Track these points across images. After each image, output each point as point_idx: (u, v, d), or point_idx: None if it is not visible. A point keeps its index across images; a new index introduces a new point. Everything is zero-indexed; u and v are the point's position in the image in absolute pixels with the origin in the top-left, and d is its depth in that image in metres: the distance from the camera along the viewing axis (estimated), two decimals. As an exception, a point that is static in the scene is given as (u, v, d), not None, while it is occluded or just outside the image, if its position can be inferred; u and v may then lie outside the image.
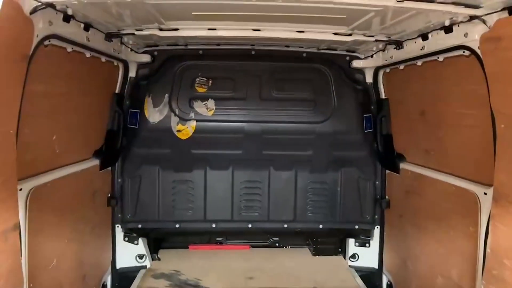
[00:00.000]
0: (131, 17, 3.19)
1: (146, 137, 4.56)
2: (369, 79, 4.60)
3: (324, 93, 4.63)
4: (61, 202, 3.27)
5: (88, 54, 3.41)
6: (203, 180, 4.67)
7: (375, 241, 4.74)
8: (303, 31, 3.57)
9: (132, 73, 4.47)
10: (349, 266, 4.84)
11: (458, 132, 3.21)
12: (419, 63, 3.55)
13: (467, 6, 2.50)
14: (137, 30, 3.55)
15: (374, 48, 4.18)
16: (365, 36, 3.61)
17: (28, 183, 2.74)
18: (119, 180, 4.52)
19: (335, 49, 4.51)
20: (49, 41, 2.70)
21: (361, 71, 4.61)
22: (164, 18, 3.23)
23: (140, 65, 4.49)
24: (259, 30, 3.54)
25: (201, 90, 4.59)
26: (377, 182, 4.66)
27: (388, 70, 4.30)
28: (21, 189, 2.62)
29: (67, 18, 2.79)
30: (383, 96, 4.52)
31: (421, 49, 3.36)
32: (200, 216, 4.69)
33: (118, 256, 4.57)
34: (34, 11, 2.40)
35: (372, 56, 4.40)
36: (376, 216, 4.69)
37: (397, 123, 4.36)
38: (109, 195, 4.42)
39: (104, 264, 4.36)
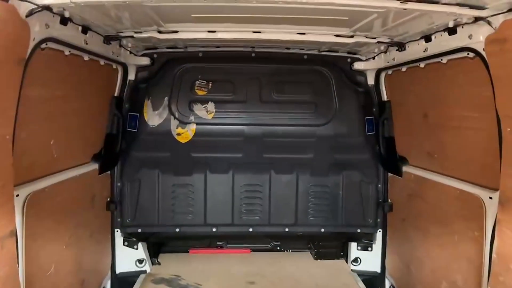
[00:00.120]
0: (130, 20, 3.15)
1: (146, 140, 4.52)
2: (370, 81, 4.56)
3: (325, 95, 4.59)
4: (59, 207, 3.23)
5: (86, 57, 3.37)
6: (203, 184, 4.63)
7: (377, 245, 4.70)
8: (304, 33, 3.54)
9: (131, 76, 4.43)
10: (351, 270, 4.79)
11: (462, 135, 3.17)
12: (422, 65, 3.51)
13: (472, 7, 2.45)
14: (136, 32, 3.52)
15: (376, 50, 4.15)
16: (367, 38, 3.57)
17: (25, 189, 2.70)
18: (119, 184, 4.48)
19: (336, 51, 4.47)
20: (46, 44, 2.65)
21: (362, 73, 4.58)
22: (163, 21, 3.20)
23: (139, 68, 4.46)
24: (259, 32, 3.51)
25: (201, 93, 4.55)
26: (379, 185, 4.61)
27: (390, 72, 4.26)
28: (18, 195, 2.58)
29: (64, 21, 2.75)
30: (385, 98, 4.48)
31: (424, 51, 3.31)
32: (200, 220, 4.65)
33: (118, 261, 4.53)
34: (30, 14, 2.35)
35: (373, 58, 4.36)
36: (379, 220, 4.64)
37: (400, 125, 4.32)
38: (108, 199, 4.38)
39: (103, 269, 4.32)
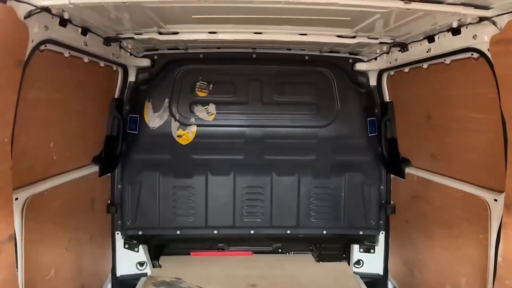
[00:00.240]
0: (130, 21, 3.12)
1: (146, 142, 4.49)
2: (373, 82, 4.54)
3: (327, 96, 4.56)
4: (59, 210, 3.21)
5: (86, 59, 3.35)
6: (204, 186, 4.60)
7: (380, 247, 4.66)
8: (305, 34, 3.51)
9: (131, 78, 4.41)
10: (354, 272, 4.76)
11: (466, 137, 3.13)
12: (425, 65, 3.48)
13: (476, 7, 2.42)
14: (136, 34, 3.50)
15: (378, 51, 4.12)
16: (369, 38, 3.54)
17: (24, 192, 2.67)
18: (119, 186, 4.45)
19: (338, 52, 4.45)
20: (45, 46, 2.63)
21: (364, 74, 4.55)
22: (164, 22, 3.17)
23: (140, 70, 4.43)
24: (260, 33, 3.48)
25: (201, 94, 4.52)
26: (381, 187, 4.58)
27: (392, 73, 4.23)
28: (17, 199, 2.55)
29: (63, 23, 2.72)
30: (387, 99, 4.45)
31: (427, 52, 3.28)
32: (202, 223, 4.62)
33: (118, 264, 4.50)
34: (28, 15, 2.33)
35: (376, 58, 4.33)
36: (381, 222, 4.61)
37: (402, 127, 4.29)
38: (109, 202, 4.36)
39: (104, 272, 4.29)
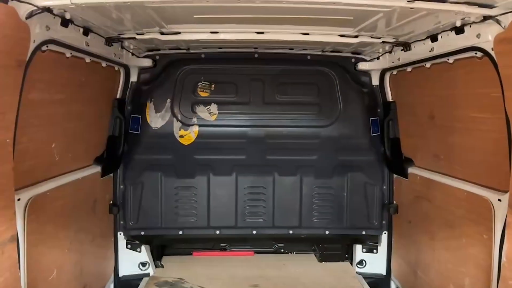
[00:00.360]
0: (131, 21, 3.11)
1: (148, 142, 4.49)
2: (375, 81, 4.52)
3: (329, 96, 4.54)
4: (61, 211, 3.21)
5: (88, 59, 3.34)
6: (206, 186, 4.60)
7: (383, 247, 4.65)
8: (307, 33, 3.49)
9: (133, 78, 4.41)
10: (356, 272, 4.75)
11: (470, 137, 3.11)
12: (427, 65, 3.46)
13: (480, 6, 2.40)
14: (138, 34, 3.49)
15: (381, 50, 4.10)
16: (371, 37, 3.52)
17: (26, 193, 2.67)
18: (121, 187, 4.45)
19: (340, 51, 4.43)
20: (47, 46, 2.62)
21: (367, 73, 4.53)
22: (165, 22, 3.16)
23: (142, 70, 4.43)
24: (262, 32, 3.47)
25: (203, 94, 4.51)
26: (384, 187, 4.56)
27: (395, 72, 4.21)
28: (19, 199, 2.55)
29: (65, 23, 2.72)
30: (390, 99, 4.43)
31: (430, 51, 3.26)
32: (204, 223, 4.61)
33: (121, 264, 4.50)
34: (30, 15, 2.32)
35: (378, 58, 4.31)
36: (384, 222, 4.60)
37: (405, 126, 4.27)
38: (111, 202, 4.35)
39: (106, 272, 4.29)
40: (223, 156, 4.60)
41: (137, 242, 4.56)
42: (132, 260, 4.55)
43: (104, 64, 3.70)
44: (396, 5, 2.46)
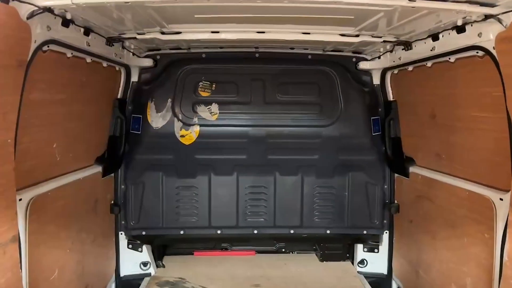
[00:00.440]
0: (132, 21, 3.11)
1: (149, 142, 4.49)
2: (376, 81, 4.52)
3: (330, 95, 4.54)
4: (62, 211, 3.21)
5: (88, 59, 3.34)
6: (207, 186, 4.60)
7: (384, 247, 4.65)
8: (308, 33, 3.49)
9: (134, 78, 4.41)
10: (358, 272, 4.75)
11: (471, 136, 3.11)
12: (429, 64, 3.45)
13: (482, 4, 2.39)
14: (138, 34, 3.49)
15: (382, 49, 4.09)
16: (372, 37, 3.52)
17: (27, 193, 2.67)
18: (122, 186, 4.45)
19: (341, 51, 4.42)
20: (48, 46, 2.62)
21: (368, 72, 4.53)
22: (166, 22, 3.16)
23: (143, 70, 4.43)
24: (263, 32, 3.46)
25: (204, 94, 4.51)
26: (385, 186, 4.56)
27: (396, 71, 4.21)
28: (20, 199, 2.55)
29: (66, 23, 2.72)
30: (391, 98, 4.43)
31: (431, 50, 3.25)
32: (205, 222, 4.61)
33: (122, 264, 4.51)
34: (31, 16, 2.32)
35: (379, 57, 4.31)
36: (385, 221, 4.60)
37: (406, 126, 4.26)
38: (112, 202, 4.35)
39: (107, 272, 4.30)
40: (224, 155, 4.60)
41: (138, 242, 4.56)
42: (133, 260, 4.55)
43: (105, 64, 3.71)
44: (397, 4, 2.45)
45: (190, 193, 4.59)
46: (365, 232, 4.64)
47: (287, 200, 4.66)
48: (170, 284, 4.43)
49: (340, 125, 4.55)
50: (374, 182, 4.58)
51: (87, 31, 3.09)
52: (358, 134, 4.56)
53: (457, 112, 3.26)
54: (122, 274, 4.50)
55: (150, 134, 4.47)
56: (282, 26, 3.33)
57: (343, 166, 4.62)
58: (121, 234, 4.49)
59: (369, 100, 4.54)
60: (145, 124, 4.46)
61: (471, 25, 2.71)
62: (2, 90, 2.21)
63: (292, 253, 5.22)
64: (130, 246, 4.54)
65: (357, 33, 3.43)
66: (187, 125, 4.52)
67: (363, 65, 4.47)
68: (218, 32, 3.48)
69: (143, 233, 4.53)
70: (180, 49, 4.34)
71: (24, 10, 2.27)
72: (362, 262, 4.77)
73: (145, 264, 4.60)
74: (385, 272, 4.64)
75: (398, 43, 3.64)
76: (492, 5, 2.39)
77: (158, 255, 4.88)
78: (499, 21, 2.44)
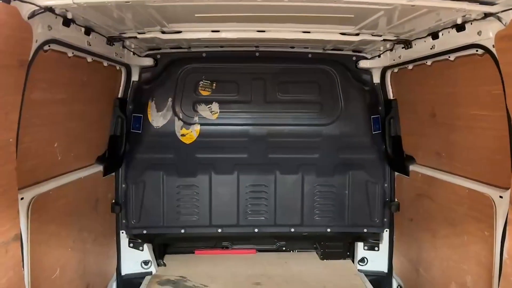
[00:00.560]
0: (133, 20, 3.12)
1: (150, 141, 4.50)
2: (376, 79, 4.53)
3: (330, 94, 4.55)
4: (64, 210, 3.22)
5: (89, 59, 3.35)
6: (208, 185, 4.61)
7: (384, 245, 4.66)
8: (309, 32, 3.50)
9: (134, 77, 4.42)
10: (358, 270, 4.75)
11: (471, 134, 3.12)
12: (428, 62, 3.45)
13: (481, 3, 2.40)
14: (139, 33, 3.50)
15: (382, 48, 4.10)
16: (372, 35, 3.53)
17: (29, 192, 2.68)
18: (123, 185, 4.46)
19: (341, 50, 4.43)
20: (49, 46, 2.64)
21: (368, 71, 4.53)
22: (167, 21, 3.17)
23: (143, 69, 4.44)
24: (263, 31, 3.47)
25: (205, 93, 4.52)
26: (386, 185, 4.57)
27: (396, 70, 4.21)
28: (22, 198, 2.56)
29: (67, 22, 2.73)
30: (391, 96, 4.44)
31: (431, 48, 3.26)
32: (206, 221, 4.62)
33: (123, 263, 4.52)
34: (32, 15, 2.33)
35: (379, 56, 4.32)
36: (385, 219, 4.61)
37: (406, 124, 4.27)
38: (113, 201, 4.36)
39: (108, 271, 4.31)
40: (224, 154, 4.61)
41: (139, 240, 4.57)
42: (134, 259, 4.57)
43: (105, 63, 3.72)
44: (397, 2, 2.46)
45: (190, 192, 4.60)
46: (365, 230, 4.65)
47: (287, 199, 4.67)
48: (171, 283, 4.44)
49: (340, 123, 4.56)
50: (375, 181, 4.59)
51: (88, 31, 3.10)
52: (359, 132, 4.57)
53: (457, 110, 3.27)
54: (123, 273, 4.51)
55: (151, 133, 4.49)
56: (282, 25, 3.34)
57: (343, 165, 4.63)
58: (122, 233, 4.50)
59: (369, 99, 4.55)
60: (145, 123, 4.47)
61: (471, 24, 2.72)
62: (4, 90, 2.22)
63: (293, 251, 5.22)
64: (131, 245, 4.55)
65: (357, 31, 3.44)
66: (187, 124, 4.53)
67: (363, 63, 4.48)
68: (218, 31, 3.49)
69: (144, 232, 4.54)
70: (181, 48, 4.35)
71: (25, 9, 2.28)
72: (362, 260, 4.78)
73: (146, 262, 4.62)
74: (386, 270, 4.65)
75: (398, 41, 3.65)
76: (491, 4, 2.39)
77: (159, 254, 4.89)
78: (499, 19, 2.44)
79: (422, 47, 3.41)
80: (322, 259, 5.00)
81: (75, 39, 2.94)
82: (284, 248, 5.20)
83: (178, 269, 4.72)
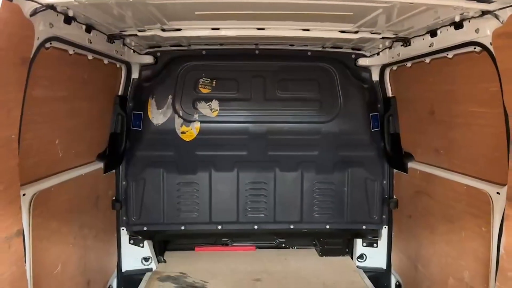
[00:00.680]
0: (133, 18, 3.14)
1: (150, 139, 4.52)
2: (375, 77, 4.55)
3: (329, 92, 4.57)
4: (65, 206, 3.24)
5: (90, 56, 3.37)
6: (208, 182, 4.63)
7: (383, 241, 4.69)
8: (308, 29, 3.51)
9: (135, 75, 4.43)
10: (357, 266, 4.79)
11: (469, 131, 3.14)
12: (427, 60, 3.48)
13: (479, 0, 2.41)
14: (139, 31, 3.52)
15: (381, 46, 4.12)
16: (371, 33, 3.55)
17: (31, 188, 2.70)
18: (124, 183, 4.48)
19: (341, 47, 4.45)
20: (50, 43, 2.66)
21: (367, 69, 4.56)
22: (167, 18, 3.19)
23: (143, 67, 4.45)
24: (263, 29, 3.49)
25: (204, 91, 4.54)
26: (384, 182, 4.60)
27: (395, 67, 4.23)
28: (24, 195, 2.58)
29: (68, 20, 2.75)
30: (390, 94, 4.46)
31: (429, 46, 3.28)
32: (206, 218, 4.65)
33: (124, 259, 4.55)
34: (34, 13, 2.35)
35: (378, 53, 4.34)
36: (384, 216, 4.64)
37: (405, 121, 4.30)
38: (114, 198, 4.38)
39: (109, 267, 4.33)
40: (224, 152, 4.63)
41: (140, 237, 4.60)
42: (134, 255, 4.59)
43: (106, 61, 3.73)
44: (395, 0, 2.48)
45: (191, 189, 4.63)
46: (364, 227, 4.68)
47: (287, 196, 4.69)
48: (171, 279, 4.47)
49: (339, 121, 4.58)
50: (373, 178, 4.62)
51: (89, 28, 3.11)
52: (358, 130, 4.59)
53: (455, 107, 3.29)
54: (123, 269, 4.54)
55: (151, 130, 4.50)
56: (281, 23, 3.36)
57: (342, 162, 4.65)
58: (123, 229, 4.53)
59: (368, 97, 4.57)
60: (146, 121, 4.49)
61: (469, 21, 2.74)
62: (6, 87, 2.24)
63: (292, 248, 5.26)
64: (132, 241, 4.58)
65: (356, 29, 3.46)
66: (187, 121, 4.55)
67: (362, 61, 4.50)
68: (218, 28, 3.50)
69: (144, 228, 4.57)
70: (181, 46, 4.37)
71: (27, 7, 2.30)
72: (361, 256, 4.81)
73: (146, 259, 4.64)
74: (384, 267, 4.68)
75: (397, 39, 3.67)
76: (488, 1, 2.41)
77: (159, 251, 4.92)
78: (496, 17, 2.46)
79: (420, 45, 3.43)
80: (321, 255, 5.03)
81: (76, 36, 2.96)
82: (283, 245, 5.24)
83: (178, 266, 4.75)
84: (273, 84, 4.56)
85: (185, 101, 4.52)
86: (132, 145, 4.49)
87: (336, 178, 4.67)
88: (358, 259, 4.82)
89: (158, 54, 4.44)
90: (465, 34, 2.80)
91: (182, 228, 4.63)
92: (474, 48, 2.79)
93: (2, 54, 2.15)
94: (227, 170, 4.65)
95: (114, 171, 4.36)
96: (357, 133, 4.59)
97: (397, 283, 4.46)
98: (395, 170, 4.49)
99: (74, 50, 3.05)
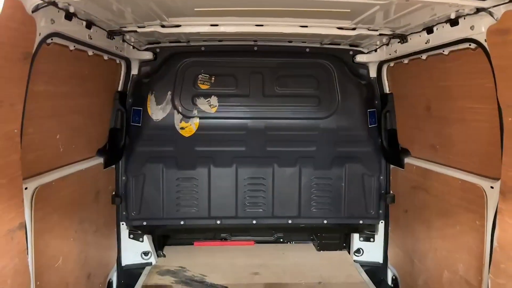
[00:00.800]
0: (132, 14, 3.17)
1: (149, 134, 4.55)
2: (373, 73, 4.58)
3: (327, 88, 4.60)
4: (66, 201, 3.28)
5: (90, 52, 3.40)
6: (207, 177, 4.67)
7: (379, 236, 4.74)
8: (306, 26, 3.54)
9: (134, 71, 4.46)
10: (354, 261, 4.85)
11: (464, 126, 3.19)
12: (424, 57, 3.51)
13: (474, -2, 2.46)
14: (139, 27, 3.54)
15: (378, 42, 4.15)
16: (369, 30, 3.58)
17: (33, 182, 2.74)
18: (123, 178, 4.52)
19: (339, 44, 4.48)
20: (52, 39, 2.68)
21: (364, 65, 4.59)
22: (166, 15, 3.21)
23: (143, 63, 4.47)
24: (261, 25, 3.51)
25: (203, 87, 4.57)
26: (381, 177, 4.65)
27: (392, 64, 4.27)
28: (26, 188, 2.62)
29: (69, 16, 2.77)
30: (387, 90, 4.50)
31: (426, 43, 3.32)
32: (205, 213, 4.69)
33: (124, 254, 4.59)
34: (36, 9, 2.37)
35: (376, 50, 4.36)
36: (381, 211, 4.68)
37: (402, 117, 4.34)
38: (114, 193, 4.42)
39: (109, 261, 4.37)
40: (223, 147, 4.67)
41: (140, 232, 4.64)
42: (134, 250, 4.64)
43: (106, 57, 3.76)
44: (391, -3, 2.52)
45: (190, 185, 4.67)
46: (361, 222, 4.73)
47: (285, 191, 4.73)
48: (170, 273, 4.53)
49: (337, 117, 4.62)
50: (370, 173, 4.67)
51: (89, 24, 3.14)
52: (355, 126, 4.63)
53: (451, 104, 3.33)
54: (123, 263, 4.59)
55: (150, 126, 4.53)
56: (280, 19, 3.38)
57: (340, 158, 4.70)
58: (123, 224, 4.57)
59: (365, 93, 4.61)
60: (145, 117, 4.51)
61: (464, 18, 2.77)
62: (9, 82, 2.28)
63: (290, 243, 5.32)
64: (131, 236, 4.63)
65: (354, 26, 3.49)
66: (186, 117, 4.58)
67: (360, 58, 4.54)
68: (217, 25, 3.53)
69: (144, 223, 4.61)
70: (180, 42, 4.39)
71: (29, 3, 2.33)
72: (358, 251, 4.87)
73: (146, 253, 4.69)
74: (381, 261, 4.73)
75: (394, 36, 3.70)
76: (483, -1, 2.46)
77: (159, 245, 4.97)
78: (490, 14, 2.50)
79: (417, 42, 3.47)
80: (319, 250, 5.09)
81: (76, 32, 2.98)
82: (281, 240, 5.30)
83: (177, 260, 4.81)
84: (272, 80, 4.59)
85: (184, 97, 4.55)
86: (131, 140, 4.52)
87: (334, 174, 4.72)
88: (355, 254, 4.88)
89: (157, 50, 4.46)
90: (461, 31, 2.84)
91: (182, 223, 4.67)
92: (469, 45, 2.83)
93: (5, 49, 2.18)
94: (226, 166, 4.68)
95: (114, 166, 4.39)
96: (355, 129, 4.63)
97: (394, 277, 4.52)
98: (391, 166, 4.54)
99: (74, 46, 3.07)
